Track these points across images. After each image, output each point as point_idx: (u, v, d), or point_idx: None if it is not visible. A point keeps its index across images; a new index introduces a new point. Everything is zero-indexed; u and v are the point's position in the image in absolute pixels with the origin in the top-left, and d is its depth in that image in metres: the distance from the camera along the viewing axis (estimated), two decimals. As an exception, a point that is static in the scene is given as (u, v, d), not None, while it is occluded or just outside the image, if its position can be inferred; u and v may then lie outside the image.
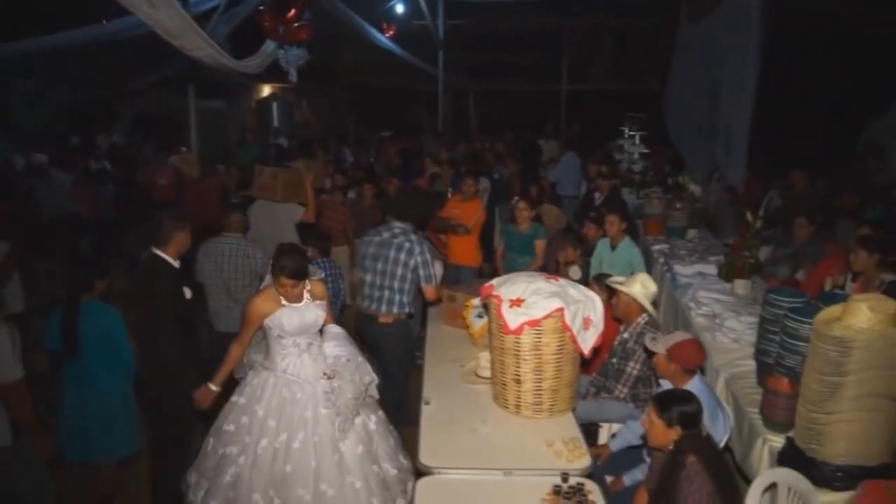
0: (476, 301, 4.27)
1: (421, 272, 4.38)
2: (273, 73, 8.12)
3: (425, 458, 3.01)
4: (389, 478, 3.41)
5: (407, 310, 4.49)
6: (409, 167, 9.66)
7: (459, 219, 6.19)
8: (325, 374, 3.39)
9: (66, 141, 10.86)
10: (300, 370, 3.40)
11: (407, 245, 4.36)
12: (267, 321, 3.39)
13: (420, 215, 4.83)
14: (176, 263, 3.83)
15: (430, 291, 4.47)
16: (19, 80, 10.90)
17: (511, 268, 5.57)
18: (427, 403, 3.55)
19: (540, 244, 5.80)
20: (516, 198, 6.16)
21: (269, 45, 7.45)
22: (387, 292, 4.40)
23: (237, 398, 3.45)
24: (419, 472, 2.98)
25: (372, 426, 3.49)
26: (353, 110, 18.26)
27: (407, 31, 13.53)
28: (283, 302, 3.38)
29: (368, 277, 4.47)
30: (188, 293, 3.86)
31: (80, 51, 8.78)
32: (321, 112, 17.17)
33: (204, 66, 6.13)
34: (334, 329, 3.62)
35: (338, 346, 3.50)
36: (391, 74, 15.64)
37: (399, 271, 4.37)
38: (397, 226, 4.47)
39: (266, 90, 15.89)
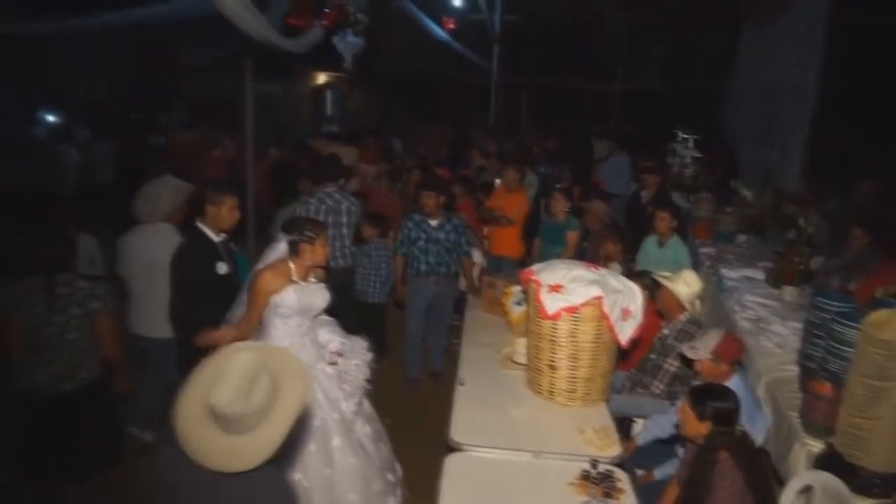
0: (515, 289, 4.29)
1: None
2: (328, 61, 8.24)
3: (457, 434, 3.05)
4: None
5: None
6: (456, 158, 9.71)
7: (503, 210, 6.20)
8: (333, 354, 3.40)
9: (127, 117, 11.26)
10: (301, 352, 3.28)
11: None
12: (275, 298, 3.24)
13: None
14: (215, 237, 3.80)
15: None
16: (81, 56, 11.36)
17: (543, 257, 5.58)
18: (461, 384, 3.59)
19: (571, 235, 5.81)
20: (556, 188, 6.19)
21: (319, 29, 7.55)
22: None
23: None
24: (450, 448, 3.02)
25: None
26: (404, 101, 18.39)
27: (462, 25, 13.56)
28: (294, 278, 3.30)
29: None
30: (223, 268, 3.78)
31: (141, 28, 9.04)
32: (373, 102, 17.35)
33: (256, 45, 6.25)
34: (324, 316, 3.55)
35: (332, 332, 3.52)
36: (443, 67, 15.70)
37: None
38: None
39: (321, 78, 16.14)
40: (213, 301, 3.59)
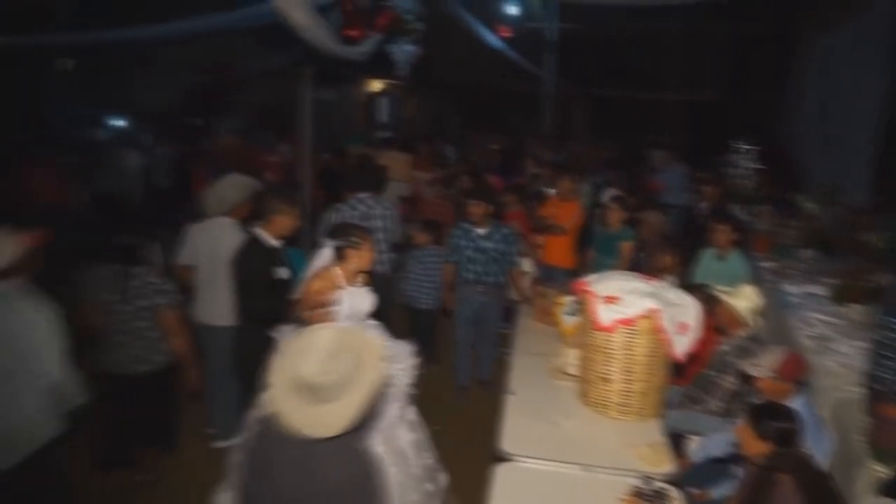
0: (568, 299, 4.24)
1: None
2: (384, 68, 8.34)
3: (507, 444, 3.03)
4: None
5: None
6: (509, 166, 9.68)
7: (556, 219, 6.15)
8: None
9: (188, 123, 11.64)
10: None
11: None
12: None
13: None
14: (274, 242, 3.87)
15: None
16: (144, 65, 11.82)
17: (597, 268, 5.49)
18: (512, 394, 3.56)
19: (626, 246, 5.70)
20: (609, 196, 6.10)
21: (375, 37, 7.65)
22: None
23: None
24: (499, 458, 3.00)
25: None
26: (458, 109, 18.47)
27: (517, 34, 13.55)
28: (342, 284, 3.33)
29: None
30: (283, 273, 3.83)
31: (203, 38, 9.34)
32: (427, 109, 17.48)
33: (316, 52, 6.38)
34: (369, 321, 3.56)
35: (376, 336, 3.49)
36: (497, 75, 15.70)
37: None
38: None
39: (376, 85, 16.35)
40: (271, 301, 3.72)
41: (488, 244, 5.12)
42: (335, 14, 7.24)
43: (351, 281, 3.39)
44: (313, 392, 1.96)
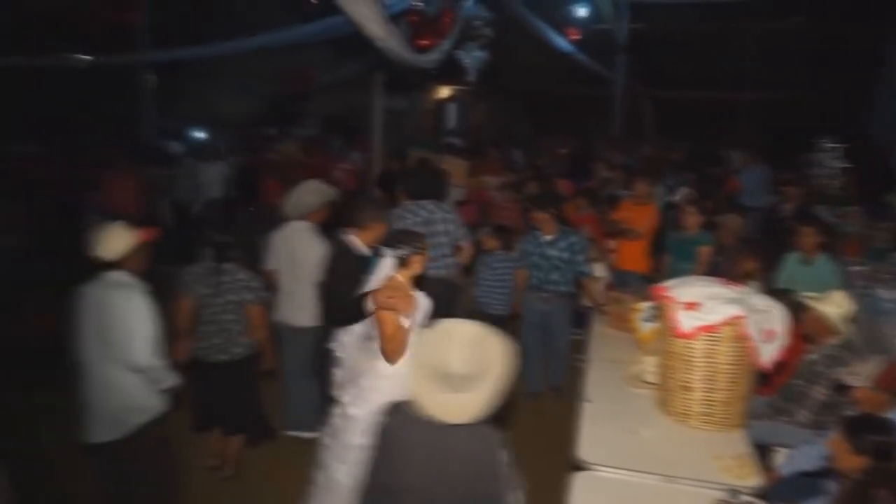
0: (644, 305, 4.14)
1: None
2: (453, 74, 8.40)
3: (584, 453, 2.98)
4: None
5: None
6: (578, 170, 9.56)
7: (631, 223, 6.02)
8: None
9: (262, 133, 12.04)
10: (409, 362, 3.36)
11: None
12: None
13: None
14: (365, 250, 3.91)
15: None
16: (224, 76, 12.33)
17: (673, 273, 5.33)
18: (588, 401, 3.50)
19: (704, 250, 5.52)
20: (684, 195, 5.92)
21: (445, 44, 7.71)
22: None
23: (359, 409, 3.22)
24: (575, 466, 2.95)
25: None
26: (524, 112, 18.39)
27: (586, 35, 13.38)
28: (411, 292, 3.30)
29: None
30: (371, 281, 3.81)
31: (279, 50, 9.64)
32: (494, 114, 17.48)
33: (388, 60, 6.49)
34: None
35: None
36: (564, 78, 15.53)
37: None
38: None
39: (444, 92, 16.48)
40: (357, 308, 3.69)
41: (552, 251, 5.05)
42: (405, 24, 7.37)
43: (413, 287, 3.37)
44: (451, 381, 2.14)
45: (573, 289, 5.24)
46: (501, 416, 2.30)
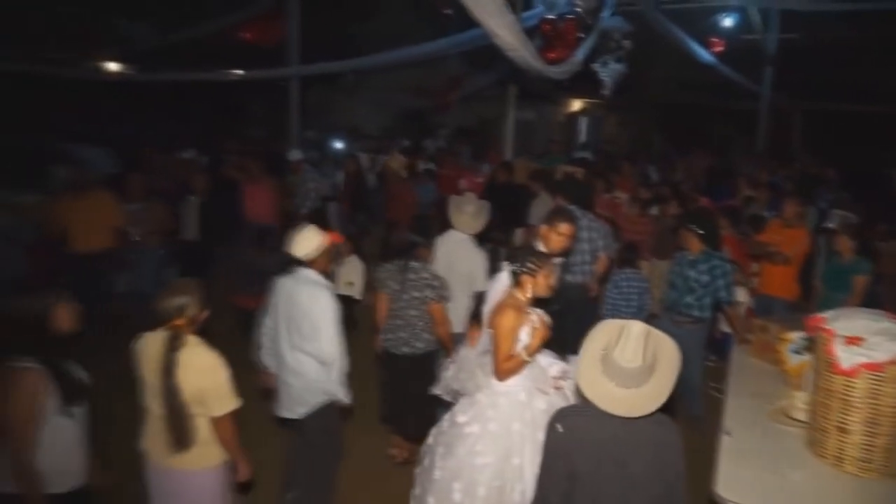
0: (794, 335, 3.84)
1: None
2: (586, 87, 8.28)
3: (724, 490, 2.79)
4: None
5: None
6: (716, 186, 9.08)
7: (779, 245, 5.62)
8: (556, 378, 3.32)
9: (399, 143, 12.44)
10: (540, 380, 3.28)
11: None
12: (520, 333, 3.22)
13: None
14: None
15: None
16: (365, 89, 12.88)
17: (825, 303, 4.92)
18: (728, 434, 3.29)
19: (859, 280, 5.08)
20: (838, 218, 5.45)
21: (578, 55, 7.60)
22: None
23: (476, 427, 3.23)
24: (713, 502, 2.78)
25: None
26: (659, 127, 17.77)
27: (730, 46, 12.72)
28: (528, 310, 3.26)
29: None
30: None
31: (417, 64, 9.94)
32: (628, 128, 17.04)
33: (521, 72, 6.51)
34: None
35: (549, 356, 3.45)
36: (703, 91, 14.82)
37: None
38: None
39: (576, 105, 16.27)
40: None
41: (690, 272, 4.81)
42: (538, 36, 7.37)
43: (530, 304, 3.32)
44: (627, 376, 2.21)
45: (709, 314, 4.95)
46: (668, 409, 2.33)
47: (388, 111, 14.64)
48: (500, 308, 3.27)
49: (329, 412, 3.59)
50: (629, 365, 2.21)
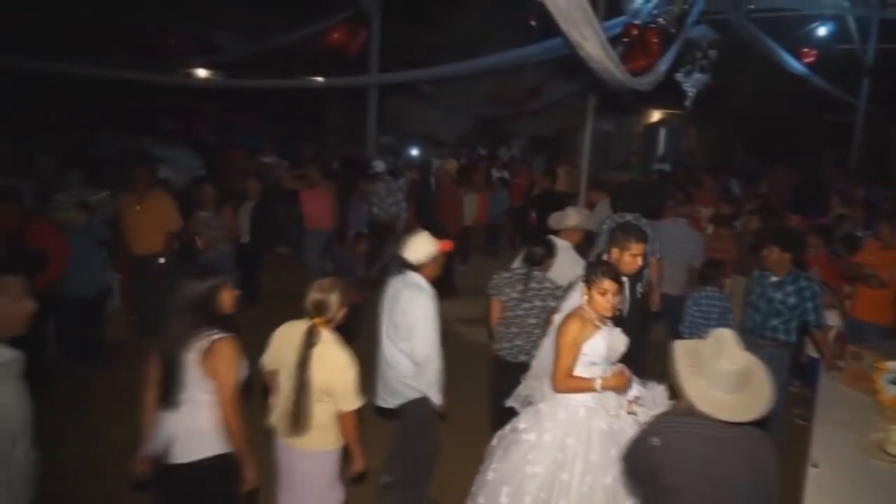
0: (891, 364, 3.59)
1: None
2: (666, 98, 8.05)
3: (810, 525, 2.64)
4: None
5: None
6: (805, 203, 8.65)
7: (874, 268, 5.27)
8: (631, 403, 3.19)
9: (475, 151, 12.47)
10: (606, 400, 3.18)
11: None
12: (585, 347, 3.16)
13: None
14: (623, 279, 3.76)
15: None
16: (440, 97, 12.98)
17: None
18: (814, 466, 3.11)
19: None
20: None
21: (661, 65, 7.38)
22: None
23: (533, 435, 3.22)
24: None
25: None
26: (745, 139, 17.09)
27: (825, 56, 12.11)
28: (598, 323, 3.18)
29: None
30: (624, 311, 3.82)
31: (495, 73, 9.93)
32: (708, 139, 16.50)
33: (602, 82, 6.37)
34: (618, 364, 3.35)
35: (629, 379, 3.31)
36: (794, 103, 14.15)
37: None
38: None
39: (655, 115, 15.88)
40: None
41: (776, 294, 4.56)
42: (621, 45, 7.22)
43: (603, 320, 3.23)
44: (733, 379, 2.23)
45: (794, 337, 4.69)
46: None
47: (463, 119, 14.71)
48: (566, 318, 3.25)
49: (424, 405, 3.67)
50: (733, 367, 2.23)
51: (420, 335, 3.50)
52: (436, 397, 3.61)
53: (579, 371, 3.19)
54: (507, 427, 3.43)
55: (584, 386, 3.17)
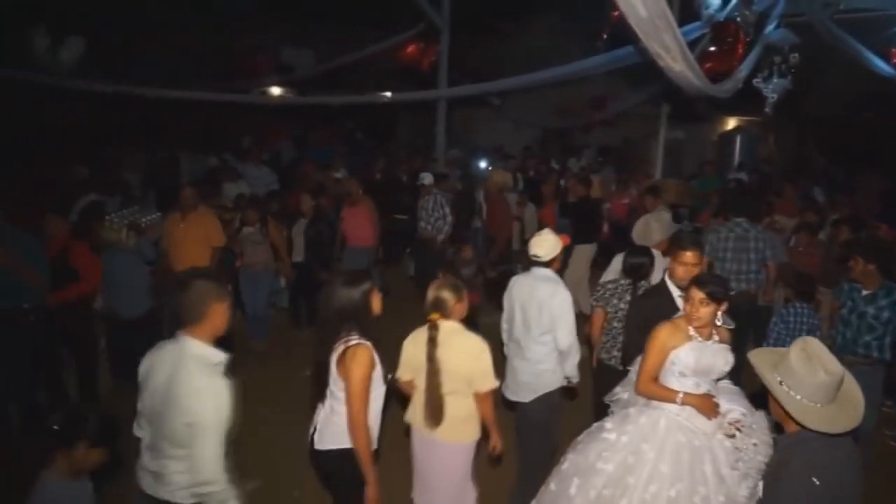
0: None
1: None
2: (742, 105, 7.79)
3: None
4: None
5: None
6: (893, 212, 8.17)
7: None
8: (731, 426, 3.08)
9: (546, 164, 12.40)
10: (696, 417, 3.10)
11: None
12: (671, 354, 3.14)
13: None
14: (676, 292, 3.76)
15: None
16: (508, 109, 12.97)
17: None
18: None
19: None
20: None
21: (741, 71, 7.14)
22: None
23: (613, 435, 3.25)
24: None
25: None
26: (829, 146, 16.29)
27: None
28: (692, 333, 3.12)
29: None
30: None
31: (562, 83, 9.84)
32: (786, 146, 15.84)
33: (676, 90, 6.23)
34: (729, 385, 3.31)
35: (733, 401, 3.19)
36: (881, 107, 13.40)
37: None
38: None
39: (731, 123, 15.38)
40: None
41: (869, 308, 4.36)
42: (699, 50, 7.06)
43: (705, 334, 3.15)
44: (830, 389, 2.22)
45: (889, 355, 4.44)
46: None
47: (531, 130, 14.66)
48: (660, 325, 3.27)
49: (552, 399, 3.91)
50: (833, 377, 2.22)
51: (564, 324, 3.75)
52: (576, 378, 3.97)
53: (668, 381, 3.17)
54: (596, 423, 3.46)
55: (665, 394, 3.15)
